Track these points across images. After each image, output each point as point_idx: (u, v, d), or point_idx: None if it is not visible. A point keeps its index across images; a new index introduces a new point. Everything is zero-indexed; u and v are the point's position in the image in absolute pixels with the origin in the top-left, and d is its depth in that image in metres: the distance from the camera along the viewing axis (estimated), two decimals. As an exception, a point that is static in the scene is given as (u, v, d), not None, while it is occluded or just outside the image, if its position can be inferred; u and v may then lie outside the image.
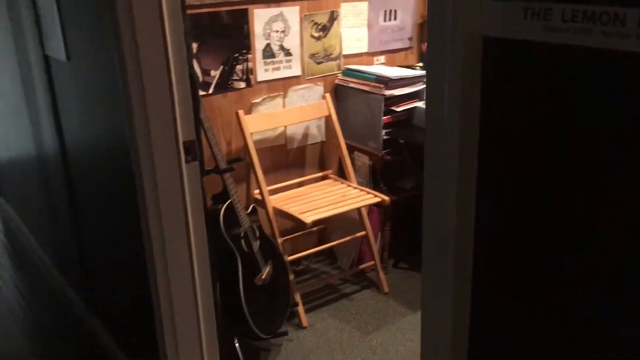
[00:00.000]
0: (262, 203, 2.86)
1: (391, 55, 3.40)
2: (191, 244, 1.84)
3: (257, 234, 2.53)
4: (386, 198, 2.89)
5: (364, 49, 3.29)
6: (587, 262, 0.82)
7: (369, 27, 3.27)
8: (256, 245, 2.50)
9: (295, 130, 3.16)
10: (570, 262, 0.84)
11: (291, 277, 2.82)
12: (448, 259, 0.94)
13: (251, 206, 2.59)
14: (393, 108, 3.02)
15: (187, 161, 1.80)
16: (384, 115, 3.01)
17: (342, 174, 3.21)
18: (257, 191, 2.93)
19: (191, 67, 1.75)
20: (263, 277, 2.48)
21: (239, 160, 2.70)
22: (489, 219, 0.90)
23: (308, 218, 2.69)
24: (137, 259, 1.90)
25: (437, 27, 0.79)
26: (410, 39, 3.44)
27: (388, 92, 2.96)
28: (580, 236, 0.81)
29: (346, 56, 3.24)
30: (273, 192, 2.99)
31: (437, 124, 0.84)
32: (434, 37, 0.81)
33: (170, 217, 1.79)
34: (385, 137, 3.04)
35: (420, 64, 3.29)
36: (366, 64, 3.30)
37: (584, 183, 0.78)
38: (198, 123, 1.80)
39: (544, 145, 0.79)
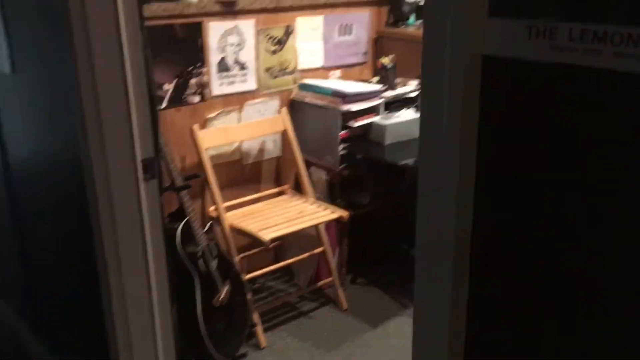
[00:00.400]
0: (218, 220, 2.78)
1: (346, 69, 3.39)
2: (149, 267, 1.75)
3: (215, 252, 2.46)
4: (345, 214, 2.86)
5: (320, 63, 3.27)
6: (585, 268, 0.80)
7: (325, 41, 3.25)
8: (214, 264, 2.43)
9: (251, 145, 3.10)
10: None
11: (249, 296, 2.74)
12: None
13: (208, 224, 2.51)
14: (350, 123, 3.00)
15: (145, 179, 1.71)
16: (341, 130, 2.99)
17: (299, 189, 3.17)
18: (212, 208, 2.85)
19: (150, 81, 1.68)
20: (221, 297, 2.40)
21: (196, 177, 2.62)
22: (486, 245, 0.87)
23: (267, 235, 2.63)
24: (91, 283, 1.79)
25: (433, 43, 0.76)
26: (365, 53, 3.44)
27: (345, 107, 2.95)
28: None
29: (302, 70, 3.21)
30: (229, 208, 2.92)
31: (432, 145, 0.81)
32: (430, 54, 0.78)
33: (127, 239, 1.70)
34: (342, 152, 3.02)
35: (376, 79, 3.29)
36: (322, 78, 3.28)
37: (591, 212, 0.76)
38: (157, 139, 1.73)
39: (547, 168, 0.77)
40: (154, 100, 1.74)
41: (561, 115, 0.74)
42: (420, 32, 3.27)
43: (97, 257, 1.73)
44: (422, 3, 3.43)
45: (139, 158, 1.68)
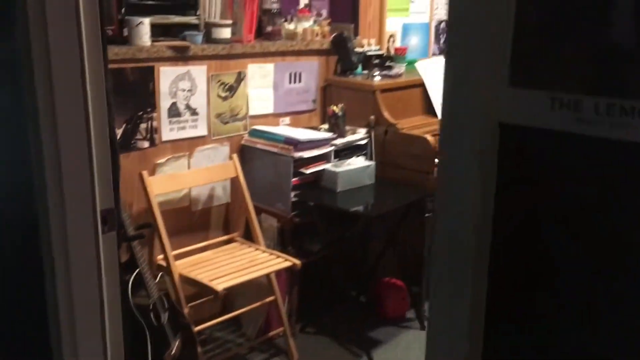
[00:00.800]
0: (167, 269, 2.68)
1: (296, 116, 3.41)
2: (105, 327, 1.65)
3: (166, 305, 2.36)
4: (297, 262, 2.83)
5: (270, 110, 3.27)
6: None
7: (275, 88, 3.26)
8: (165, 317, 2.32)
9: (200, 191, 3.04)
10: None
11: (199, 349, 2.64)
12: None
13: (159, 275, 2.42)
14: (302, 170, 3.00)
15: (104, 232, 1.63)
16: (293, 177, 2.98)
17: (248, 237, 3.11)
18: (160, 257, 2.75)
19: (112, 128, 1.62)
20: (173, 352, 2.29)
21: (148, 227, 2.53)
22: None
23: (219, 286, 2.55)
24: (41, 342, 1.67)
25: (450, 110, 0.77)
26: (314, 101, 3.47)
27: (297, 154, 2.95)
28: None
29: (252, 117, 3.20)
30: (178, 257, 2.82)
31: (450, 210, 0.81)
32: (448, 121, 0.79)
33: (84, 299, 1.60)
34: (294, 199, 3.00)
35: (326, 126, 3.32)
36: (272, 125, 3.28)
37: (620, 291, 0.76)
38: (117, 189, 1.65)
39: (564, 241, 0.78)
40: (115, 147, 1.67)
41: (584, 186, 0.76)
42: (367, 81, 3.36)
43: (49, 319, 1.61)
44: (369, 53, 3.53)
45: (98, 209, 1.60)
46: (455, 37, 0.77)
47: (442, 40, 4.16)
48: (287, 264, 2.82)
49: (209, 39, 2.93)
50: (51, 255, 1.55)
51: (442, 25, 4.14)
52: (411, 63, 3.77)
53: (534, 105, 0.73)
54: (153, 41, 2.73)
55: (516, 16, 0.70)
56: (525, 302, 0.86)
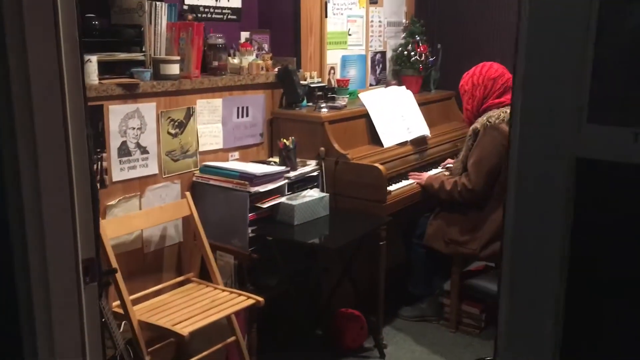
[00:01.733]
0: (124, 316, 2.55)
1: (244, 150, 3.38)
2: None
3: (131, 354, 2.24)
4: (260, 299, 2.77)
5: (220, 145, 3.22)
6: None
7: (224, 123, 3.22)
8: (131, 367, 2.20)
9: (152, 232, 2.93)
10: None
11: (163, 398, 2.51)
12: None
13: (123, 323, 2.29)
14: (258, 204, 2.96)
15: (86, 283, 1.54)
16: (250, 212, 2.94)
17: (204, 276, 3.02)
18: (116, 303, 2.61)
19: (92, 175, 1.53)
20: (142, 404, 2.17)
21: (114, 272, 2.40)
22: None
23: (185, 330, 2.45)
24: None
25: (526, 146, 0.78)
26: (261, 134, 3.46)
27: (254, 189, 2.91)
28: None
29: (202, 152, 3.14)
30: (134, 302, 2.69)
31: (528, 246, 0.81)
32: (525, 155, 0.80)
33: (66, 355, 1.49)
34: (251, 235, 2.95)
35: (276, 159, 3.30)
36: (222, 160, 3.23)
37: None
38: (98, 238, 1.57)
39: None
40: (96, 195, 1.59)
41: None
42: (314, 113, 3.38)
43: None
44: (313, 85, 3.57)
45: (80, 259, 1.51)
46: (531, 75, 0.80)
47: (378, 71, 4.28)
48: (250, 302, 2.75)
49: (157, 75, 2.86)
50: (32, 314, 1.44)
51: (378, 56, 4.26)
52: (351, 94, 3.84)
53: (614, 141, 0.76)
54: (100, 79, 2.64)
55: (594, 57, 0.73)
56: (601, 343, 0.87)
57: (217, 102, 3.17)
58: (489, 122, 3.23)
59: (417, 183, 3.48)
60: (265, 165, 3.14)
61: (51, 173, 1.42)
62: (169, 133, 2.94)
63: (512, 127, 0.80)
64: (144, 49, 2.87)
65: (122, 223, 2.70)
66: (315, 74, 3.70)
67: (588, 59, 0.74)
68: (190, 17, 3.16)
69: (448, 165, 3.70)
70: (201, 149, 3.12)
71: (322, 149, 3.29)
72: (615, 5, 0.74)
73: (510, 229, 0.86)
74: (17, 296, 1.47)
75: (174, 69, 2.90)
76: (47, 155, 1.41)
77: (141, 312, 2.63)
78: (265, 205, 2.96)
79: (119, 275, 2.55)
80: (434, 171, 3.71)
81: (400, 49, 4.33)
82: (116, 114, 2.69)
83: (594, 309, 0.89)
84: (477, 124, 3.30)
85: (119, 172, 2.74)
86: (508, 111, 3.23)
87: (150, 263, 2.95)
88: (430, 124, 3.96)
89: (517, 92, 0.80)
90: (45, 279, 1.46)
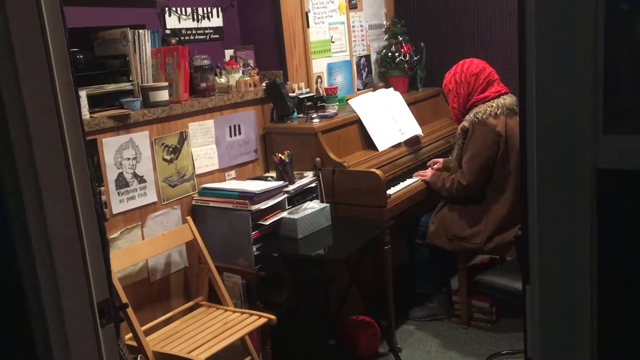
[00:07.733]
0: (138, 349, 2.53)
1: (240, 168, 3.37)
2: None
3: (151, 387, 2.22)
4: (273, 317, 2.76)
5: (216, 166, 3.21)
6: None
7: (217, 143, 3.21)
8: (152, 401, 2.19)
9: (156, 260, 2.91)
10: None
11: None
12: None
13: (139, 356, 2.28)
14: (260, 222, 2.96)
15: (102, 325, 1.52)
16: (252, 231, 2.93)
17: (213, 299, 3.01)
18: (128, 336, 2.60)
19: (99, 215, 1.52)
20: None
21: (125, 307, 2.38)
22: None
23: (201, 357, 2.44)
24: None
25: (547, 158, 0.79)
26: (255, 150, 3.45)
27: (254, 207, 2.90)
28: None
29: (199, 175, 3.13)
30: (145, 333, 2.67)
31: (550, 259, 0.82)
32: (545, 170, 0.80)
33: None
34: (256, 253, 2.94)
35: (273, 174, 3.30)
36: (219, 181, 3.22)
37: None
38: (110, 278, 1.55)
39: None
40: (105, 235, 1.57)
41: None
42: (306, 124, 3.38)
43: None
44: (301, 96, 3.56)
45: (95, 302, 1.50)
46: (544, 88, 0.80)
47: (364, 75, 4.28)
48: (263, 320, 2.74)
49: (147, 103, 2.85)
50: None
51: (362, 60, 4.26)
52: (340, 101, 3.84)
53: (632, 150, 0.76)
54: (90, 113, 2.63)
55: (605, 68, 0.74)
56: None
57: (209, 124, 3.16)
58: (477, 118, 3.25)
59: (422, 180, 3.53)
60: (263, 182, 3.14)
61: (59, 220, 1.41)
62: (164, 159, 2.93)
63: (527, 142, 0.81)
64: (131, 78, 2.85)
65: (126, 255, 2.69)
66: (302, 84, 3.70)
67: (599, 71, 0.74)
68: (173, 41, 3.16)
69: (435, 166, 3.70)
70: (197, 171, 3.11)
71: (318, 159, 3.29)
72: (622, 15, 0.74)
73: (536, 249, 0.86)
74: (36, 350, 1.46)
75: (163, 95, 2.89)
76: (52, 200, 1.40)
77: (154, 343, 2.61)
78: (267, 222, 2.95)
79: (129, 309, 2.53)
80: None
81: (384, 51, 4.34)
82: (110, 146, 2.68)
83: (625, 323, 0.89)
84: (465, 122, 3.31)
85: (118, 204, 2.72)
86: (494, 105, 3.27)
87: (158, 291, 2.93)
88: (422, 123, 3.97)
89: (530, 108, 0.80)
90: (62, 327, 1.44)
